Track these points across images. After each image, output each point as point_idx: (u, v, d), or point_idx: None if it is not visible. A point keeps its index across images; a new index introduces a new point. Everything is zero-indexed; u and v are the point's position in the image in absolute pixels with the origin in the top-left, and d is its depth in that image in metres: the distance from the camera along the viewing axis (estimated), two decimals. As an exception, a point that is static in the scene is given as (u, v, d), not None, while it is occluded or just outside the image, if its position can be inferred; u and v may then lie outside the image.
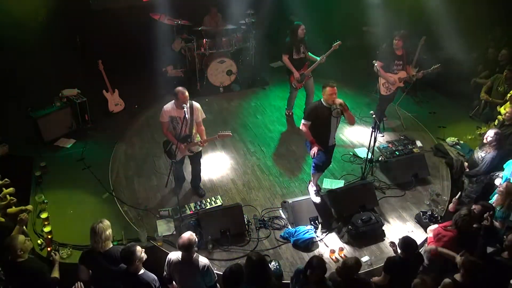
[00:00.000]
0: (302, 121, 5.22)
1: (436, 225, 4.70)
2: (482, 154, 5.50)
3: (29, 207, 4.99)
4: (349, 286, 3.93)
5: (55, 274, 4.10)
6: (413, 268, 4.20)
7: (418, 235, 5.19)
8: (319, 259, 3.84)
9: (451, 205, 5.13)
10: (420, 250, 4.55)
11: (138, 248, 3.75)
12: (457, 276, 3.85)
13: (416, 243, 4.29)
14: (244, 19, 8.55)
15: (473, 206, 4.51)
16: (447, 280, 3.80)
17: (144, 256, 3.79)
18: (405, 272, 4.04)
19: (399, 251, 4.21)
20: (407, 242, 4.14)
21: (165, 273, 4.07)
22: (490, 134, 5.38)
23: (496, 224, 4.57)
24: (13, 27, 7.25)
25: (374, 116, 5.74)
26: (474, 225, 4.39)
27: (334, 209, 5.49)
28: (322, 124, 5.16)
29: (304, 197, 5.57)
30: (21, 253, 3.81)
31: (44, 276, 3.95)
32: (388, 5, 8.74)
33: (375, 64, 6.65)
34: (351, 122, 5.22)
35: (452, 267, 4.05)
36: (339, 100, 4.99)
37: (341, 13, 9.42)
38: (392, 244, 4.74)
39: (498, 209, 4.63)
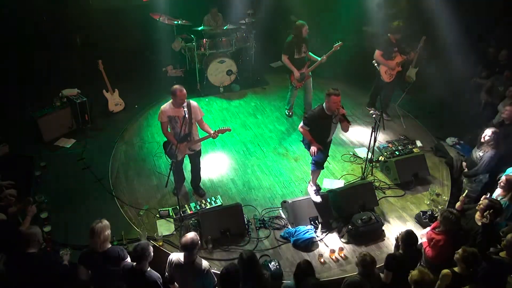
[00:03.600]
0: (301, 124, 5.22)
1: (427, 229, 4.69)
2: (481, 154, 5.50)
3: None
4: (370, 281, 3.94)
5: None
6: (413, 264, 4.21)
7: (418, 235, 5.17)
8: (307, 262, 3.88)
9: (458, 204, 5.12)
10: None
11: (151, 246, 3.79)
12: (456, 269, 3.87)
13: (417, 238, 4.31)
14: (244, 19, 8.55)
15: (480, 201, 4.50)
16: (445, 270, 3.82)
17: (152, 255, 3.81)
18: (405, 268, 4.04)
19: (400, 244, 4.23)
20: (409, 236, 4.17)
21: (166, 273, 4.08)
22: (488, 133, 5.37)
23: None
24: (14, 27, 7.26)
25: (374, 115, 5.74)
26: (479, 221, 4.39)
27: (334, 209, 5.50)
28: (323, 129, 5.18)
29: (304, 197, 5.57)
30: (41, 242, 3.85)
31: (59, 263, 4.06)
32: (388, 4, 8.74)
33: (374, 63, 6.68)
34: (345, 131, 5.26)
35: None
36: (342, 110, 5.00)
37: (341, 13, 9.40)
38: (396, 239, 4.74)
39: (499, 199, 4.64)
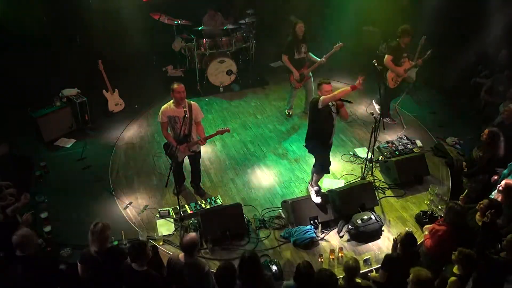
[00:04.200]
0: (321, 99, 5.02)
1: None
2: (480, 154, 5.49)
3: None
4: None
5: None
6: (411, 266, 4.20)
7: (418, 235, 5.18)
8: (307, 264, 3.83)
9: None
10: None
11: (147, 244, 3.78)
12: (455, 270, 3.86)
13: (416, 240, 4.31)
14: (244, 19, 8.55)
15: (481, 202, 4.50)
16: (452, 278, 3.81)
17: (150, 254, 3.80)
18: (403, 269, 4.04)
19: (398, 246, 4.22)
20: (409, 238, 4.16)
21: (165, 273, 4.08)
22: (485, 132, 5.37)
23: (498, 221, 4.54)
24: (14, 27, 7.25)
25: (374, 116, 5.73)
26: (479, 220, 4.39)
27: (334, 209, 5.50)
28: (325, 121, 5.18)
29: (304, 197, 5.58)
30: (36, 247, 3.84)
31: (56, 265, 4.02)
32: (388, 4, 8.75)
33: (375, 63, 6.67)
34: (345, 118, 5.28)
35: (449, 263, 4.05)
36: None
37: (341, 13, 9.41)
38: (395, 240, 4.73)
39: None
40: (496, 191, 4.83)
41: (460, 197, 5.25)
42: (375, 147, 6.17)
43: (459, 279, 3.81)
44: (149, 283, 3.75)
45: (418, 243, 4.91)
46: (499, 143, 5.28)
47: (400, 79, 7.04)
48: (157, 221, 5.38)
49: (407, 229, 5.13)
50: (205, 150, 6.51)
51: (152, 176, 6.21)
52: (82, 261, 3.95)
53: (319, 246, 5.13)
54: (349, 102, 5.07)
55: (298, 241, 5.06)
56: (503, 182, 4.71)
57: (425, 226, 4.80)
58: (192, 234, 3.90)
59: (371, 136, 5.81)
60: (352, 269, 3.85)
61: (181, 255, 3.93)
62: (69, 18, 8.01)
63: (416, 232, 5.26)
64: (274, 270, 4.61)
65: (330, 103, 5.04)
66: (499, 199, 4.67)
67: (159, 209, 5.54)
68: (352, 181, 6.06)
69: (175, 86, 4.99)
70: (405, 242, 4.15)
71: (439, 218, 5.24)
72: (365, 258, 4.88)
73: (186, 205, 5.55)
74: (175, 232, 5.22)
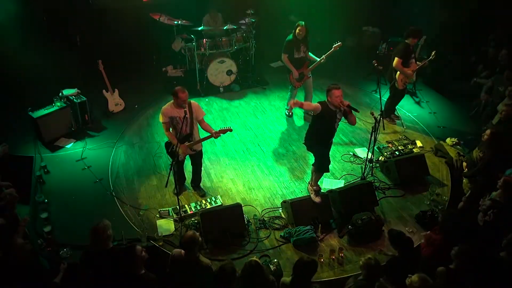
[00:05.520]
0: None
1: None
2: (481, 154, 5.49)
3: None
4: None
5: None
6: (410, 265, 4.21)
7: (419, 235, 5.19)
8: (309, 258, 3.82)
9: (460, 204, 5.11)
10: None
11: (138, 248, 3.75)
12: (451, 266, 3.88)
13: (402, 232, 4.29)
14: (244, 19, 8.55)
15: (484, 201, 4.51)
16: (440, 268, 3.82)
17: (145, 255, 3.79)
18: (402, 270, 4.04)
19: (389, 252, 4.22)
20: (394, 234, 4.16)
21: (168, 269, 4.08)
22: (487, 133, 5.37)
23: None
24: (14, 27, 7.26)
25: (374, 116, 5.73)
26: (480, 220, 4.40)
27: (334, 209, 5.50)
28: (328, 126, 5.16)
29: (304, 197, 5.57)
30: (21, 255, 3.82)
31: (43, 275, 3.97)
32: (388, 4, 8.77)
33: (374, 63, 6.67)
34: (353, 123, 5.25)
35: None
36: (346, 102, 5.00)
37: (341, 13, 9.42)
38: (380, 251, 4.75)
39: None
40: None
41: (463, 198, 5.25)
42: (375, 147, 6.17)
43: (448, 270, 3.81)
44: (147, 287, 3.74)
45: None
46: (500, 143, 5.29)
47: (408, 80, 7.00)
48: (157, 221, 5.38)
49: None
50: (205, 150, 6.50)
51: (152, 176, 6.20)
52: (83, 262, 3.95)
53: (319, 246, 5.13)
54: (357, 111, 5.06)
55: (298, 242, 5.06)
56: (502, 178, 4.72)
57: (421, 233, 4.80)
58: (190, 232, 3.92)
59: (371, 136, 5.81)
60: (373, 267, 3.80)
61: (183, 251, 3.94)
62: (69, 18, 8.01)
63: (416, 232, 5.27)
64: (274, 270, 4.60)
65: (336, 110, 5.01)
66: (498, 195, 4.70)
67: (159, 209, 5.54)
68: (352, 181, 6.06)
69: (180, 94, 4.91)
70: (393, 240, 4.14)
71: (439, 218, 5.25)
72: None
73: (186, 205, 5.55)
74: (175, 232, 5.22)
